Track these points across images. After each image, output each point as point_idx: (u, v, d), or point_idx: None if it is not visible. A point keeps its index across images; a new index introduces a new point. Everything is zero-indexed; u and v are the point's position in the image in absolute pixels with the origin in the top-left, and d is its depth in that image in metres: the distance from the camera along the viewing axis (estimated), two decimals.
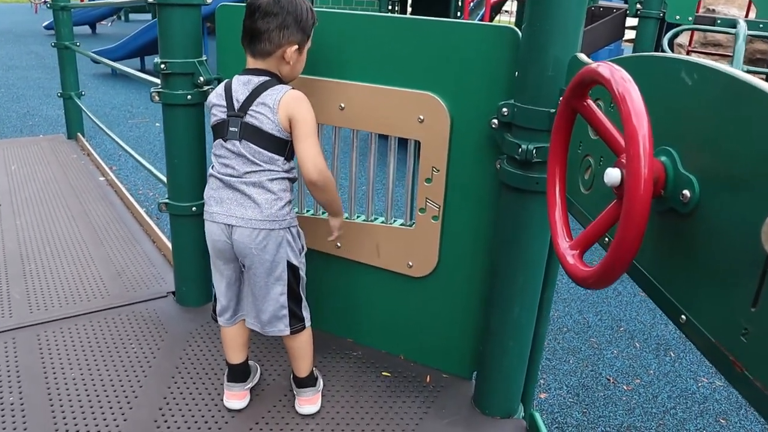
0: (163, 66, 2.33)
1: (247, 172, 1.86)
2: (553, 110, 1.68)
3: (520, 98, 1.77)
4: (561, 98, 1.21)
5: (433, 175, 2.12)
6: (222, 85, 1.93)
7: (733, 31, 5.28)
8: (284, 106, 1.85)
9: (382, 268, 2.36)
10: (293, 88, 1.90)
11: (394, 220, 2.34)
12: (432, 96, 2.03)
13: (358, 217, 2.41)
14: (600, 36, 7.27)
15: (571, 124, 1.23)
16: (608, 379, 3.45)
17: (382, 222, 2.34)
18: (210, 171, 1.96)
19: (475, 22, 1.96)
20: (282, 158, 1.89)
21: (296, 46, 1.89)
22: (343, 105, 2.19)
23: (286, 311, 1.99)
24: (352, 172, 2.35)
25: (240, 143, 1.86)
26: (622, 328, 3.99)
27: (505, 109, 1.79)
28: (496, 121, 1.86)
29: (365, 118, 2.18)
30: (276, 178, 1.88)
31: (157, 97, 2.39)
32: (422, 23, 2.00)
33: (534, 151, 1.73)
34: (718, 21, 5.68)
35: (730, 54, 7.20)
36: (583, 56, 1.55)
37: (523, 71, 1.76)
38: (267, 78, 1.89)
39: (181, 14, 2.33)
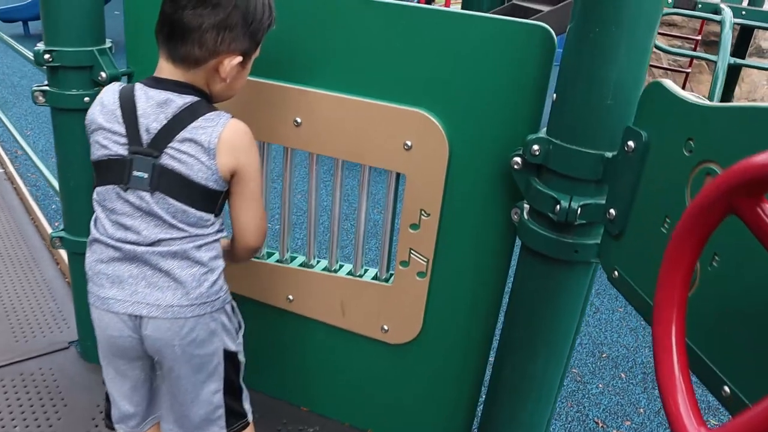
0: (47, 56, 1.68)
1: (163, 240, 1.27)
2: (611, 154, 1.16)
3: (558, 132, 1.23)
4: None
5: (421, 220, 1.57)
6: (115, 93, 1.31)
7: (717, 17, 4.87)
8: (227, 149, 1.27)
9: (348, 331, 1.81)
10: (233, 117, 1.31)
11: (365, 271, 1.79)
12: (425, 115, 1.48)
13: (317, 263, 1.85)
14: (556, 22, 6.79)
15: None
16: (596, 422, 3.03)
17: (350, 273, 1.79)
18: (93, 232, 1.33)
19: (493, 15, 1.41)
20: (213, 216, 1.32)
21: (239, 58, 1.30)
22: (299, 120, 1.61)
23: (222, 411, 1.42)
24: (311, 206, 1.78)
25: (152, 196, 1.26)
26: (604, 355, 3.57)
27: (536, 147, 1.25)
28: (519, 159, 1.32)
29: (329, 140, 1.60)
30: (206, 244, 1.30)
31: (41, 98, 1.74)
32: (416, 12, 1.43)
33: (578, 211, 1.20)
34: (699, 5, 5.27)
35: (689, 36, 6.86)
36: (673, 86, 1.02)
37: (564, 94, 1.22)
38: (194, 99, 1.29)
39: None
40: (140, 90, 1.29)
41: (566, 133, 1.21)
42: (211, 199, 1.29)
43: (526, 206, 1.37)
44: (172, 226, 1.26)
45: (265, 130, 1.67)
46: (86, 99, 1.75)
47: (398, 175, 1.61)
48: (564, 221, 1.22)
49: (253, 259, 1.86)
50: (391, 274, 1.73)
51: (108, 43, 1.79)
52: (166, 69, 1.30)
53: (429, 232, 1.57)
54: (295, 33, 1.56)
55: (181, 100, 1.27)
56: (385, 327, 1.73)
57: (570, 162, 1.21)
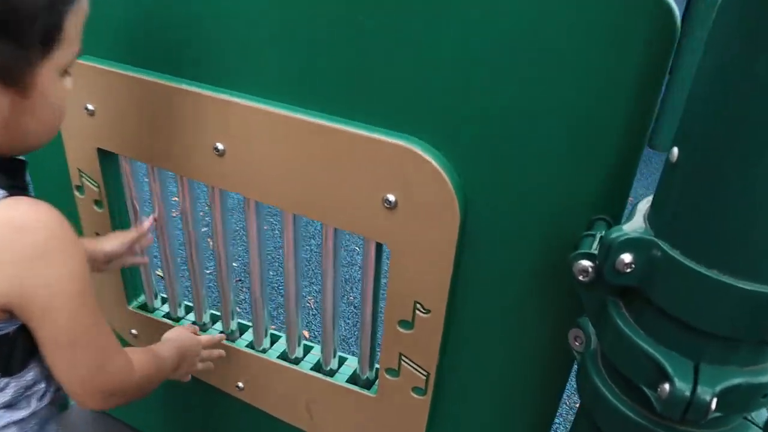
0: None
1: None
2: None
3: (681, 235, 0.58)
4: None
5: (416, 316, 0.95)
6: None
7: None
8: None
9: None
10: (9, 194, 0.73)
11: (339, 364, 1.19)
12: (416, 151, 0.84)
13: (271, 344, 1.26)
14: None
15: None
16: None
17: (317, 367, 1.19)
18: None
19: None
20: None
21: None
22: (220, 147, 0.99)
23: None
24: (254, 268, 1.17)
25: None
26: None
27: (627, 257, 0.60)
28: (587, 266, 0.67)
29: (265, 180, 0.98)
30: None
31: None
32: None
33: (713, 401, 0.57)
34: None
35: None
36: None
37: (704, 159, 0.56)
38: None
39: None
40: None
41: (702, 241, 0.56)
42: None
43: (595, 338, 0.73)
44: None
45: (173, 158, 1.06)
46: None
47: (377, 245, 0.99)
48: (676, 414, 0.59)
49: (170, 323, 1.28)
50: (376, 379, 1.13)
51: None
52: None
53: (429, 335, 0.95)
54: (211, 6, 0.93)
55: None
56: None
57: (707, 301, 0.56)
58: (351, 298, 2.54)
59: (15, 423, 0.80)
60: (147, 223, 1.18)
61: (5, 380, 0.78)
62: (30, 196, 0.77)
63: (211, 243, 1.25)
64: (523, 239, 0.84)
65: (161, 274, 1.35)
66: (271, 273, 2.59)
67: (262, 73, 0.94)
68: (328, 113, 0.90)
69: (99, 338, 0.80)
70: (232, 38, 0.94)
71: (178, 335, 1.08)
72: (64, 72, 0.76)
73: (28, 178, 0.84)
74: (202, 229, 1.23)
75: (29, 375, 0.80)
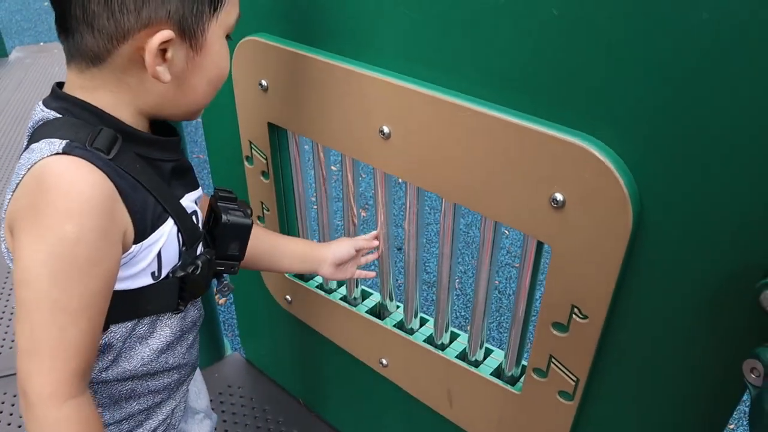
0: None
1: None
2: None
3: None
4: None
5: (572, 321, 0.91)
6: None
7: None
8: (8, 219, 0.73)
9: (457, 426, 1.23)
10: (58, 152, 0.70)
11: (484, 356, 1.17)
12: (589, 150, 0.79)
13: (420, 327, 1.26)
14: None
15: None
16: None
17: (462, 355, 1.19)
18: None
19: None
20: None
21: (168, 33, 0.72)
22: (386, 130, 1.00)
23: None
24: (410, 252, 1.18)
25: None
26: None
27: None
28: None
29: (430, 169, 0.98)
30: None
31: None
32: None
33: None
34: None
35: None
36: None
37: None
38: (57, 114, 0.76)
39: None
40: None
41: None
42: None
43: None
44: None
45: (340, 138, 1.09)
46: None
47: (539, 244, 0.95)
48: None
49: (345, 305, 1.33)
50: (521, 376, 1.10)
51: None
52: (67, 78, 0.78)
53: (583, 341, 0.91)
54: None
55: (36, 118, 0.77)
56: None
57: None
58: (496, 282, 2.50)
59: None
60: (374, 234, 1.21)
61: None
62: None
63: (364, 213, 1.26)
64: (702, 257, 0.77)
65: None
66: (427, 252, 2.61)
67: (432, 57, 0.93)
68: (499, 104, 0.87)
69: (32, 332, 0.68)
70: (404, 19, 0.93)
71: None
72: (227, 36, 0.81)
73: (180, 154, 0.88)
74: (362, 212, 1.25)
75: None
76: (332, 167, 1.26)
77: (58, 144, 0.70)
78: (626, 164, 0.79)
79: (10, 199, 0.72)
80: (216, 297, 2.57)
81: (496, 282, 2.51)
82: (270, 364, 1.85)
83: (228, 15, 0.79)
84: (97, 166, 0.70)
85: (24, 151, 0.75)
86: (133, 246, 0.76)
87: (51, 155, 0.69)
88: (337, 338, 1.41)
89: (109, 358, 0.82)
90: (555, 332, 0.94)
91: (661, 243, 0.80)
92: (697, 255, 0.77)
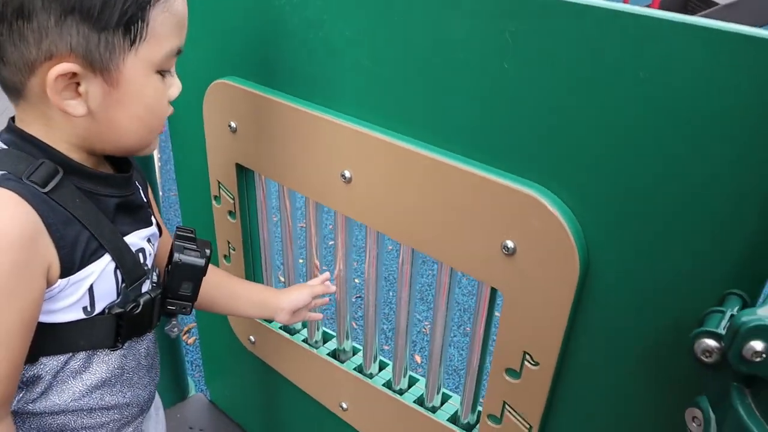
0: None
1: None
2: None
3: None
4: None
5: (524, 367, 0.92)
6: None
7: None
8: None
9: None
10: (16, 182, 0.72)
11: (442, 401, 1.18)
12: (538, 199, 0.81)
13: (378, 370, 1.27)
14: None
15: None
16: None
17: (420, 400, 1.19)
18: None
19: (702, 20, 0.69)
20: None
21: (67, 65, 0.71)
22: (348, 174, 1.02)
23: None
24: (369, 295, 1.19)
25: None
26: None
27: (757, 344, 0.55)
28: (711, 345, 0.62)
29: (390, 213, 1.00)
30: None
31: None
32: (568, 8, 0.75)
33: None
34: None
35: None
36: None
37: None
38: (4, 147, 0.78)
39: None
40: None
41: None
42: None
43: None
44: None
45: (303, 181, 1.11)
46: None
47: (492, 290, 0.97)
48: None
49: (306, 347, 1.32)
50: (477, 423, 1.11)
51: None
52: None
53: (535, 388, 0.92)
54: (350, 32, 0.96)
55: None
56: None
57: None
58: (467, 329, 2.50)
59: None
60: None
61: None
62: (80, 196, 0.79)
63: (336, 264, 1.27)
64: (646, 305, 0.79)
65: (283, 279, 1.41)
66: (391, 294, 2.62)
67: (392, 106, 0.95)
68: (454, 152, 0.90)
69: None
70: (365, 70, 0.96)
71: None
72: (160, 72, 0.79)
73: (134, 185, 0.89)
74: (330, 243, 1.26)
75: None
76: (300, 225, 1.27)
77: None
78: (573, 214, 0.81)
79: None
80: (184, 337, 2.54)
81: (467, 329, 2.51)
82: (233, 406, 1.83)
83: (152, 50, 0.76)
84: (26, 199, 0.71)
85: None
86: (60, 280, 0.76)
87: None
88: (298, 380, 1.41)
89: (38, 390, 0.81)
90: (508, 378, 0.95)
91: (606, 292, 0.82)
92: (640, 304, 0.79)
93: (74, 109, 0.74)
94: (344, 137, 1.00)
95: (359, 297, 2.55)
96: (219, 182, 1.31)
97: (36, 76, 0.73)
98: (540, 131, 0.81)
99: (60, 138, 0.78)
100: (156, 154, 2.82)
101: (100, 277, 0.80)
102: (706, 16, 5.50)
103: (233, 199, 1.30)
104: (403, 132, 0.95)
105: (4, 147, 0.77)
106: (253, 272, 1.40)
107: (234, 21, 1.13)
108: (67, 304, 0.78)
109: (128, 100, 0.77)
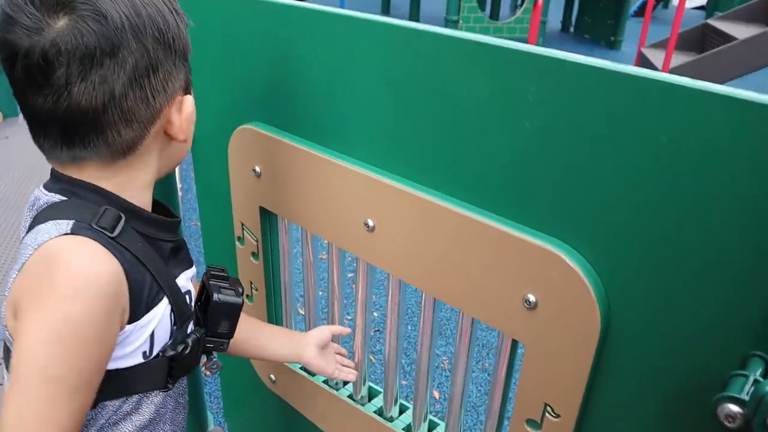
0: None
1: None
2: None
3: None
4: None
5: (545, 419, 0.92)
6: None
7: None
8: (11, 300, 0.74)
9: None
10: (66, 233, 0.74)
11: None
12: (559, 255, 0.82)
13: (399, 414, 1.27)
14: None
15: None
16: None
17: None
18: None
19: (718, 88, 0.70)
20: None
21: (185, 97, 0.84)
22: (371, 223, 1.04)
23: None
24: (389, 342, 1.20)
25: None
26: None
27: None
28: (735, 411, 0.62)
29: (412, 263, 1.01)
30: None
31: None
32: (574, 67, 0.77)
33: None
34: None
35: None
36: None
37: None
38: (63, 197, 0.80)
39: None
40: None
41: None
42: None
43: None
44: None
45: (326, 226, 1.12)
46: None
47: (513, 341, 0.98)
48: None
49: (327, 388, 1.33)
50: None
51: None
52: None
53: None
54: (366, 88, 0.98)
55: (39, 203, 0.80)
56: None
57: None
58: (486, 364, 2.49)
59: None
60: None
61: None
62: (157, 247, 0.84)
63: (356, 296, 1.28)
64: (667, 361, 0.79)
65: (301, 311, 1.42)
66: (409, 327, 2.62)
67: (415, 158, 0.97)
68: (476, 205, 0.91)
69: (19, 409, 0.68)
70: (389, 122, 0.98)
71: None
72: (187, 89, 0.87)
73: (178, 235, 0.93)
74: (348, 274, 1.27)
75: None
76: (321, 256, 1.29)
77: (65, 224, 0.74)
78: (594, 269, 0.82)
79: (14, 278, 0.75)
80: (203, 369, 2.55)
81: (486, 365, 2.51)
82: (244, 425, 1.84)
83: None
84: (103, 245, 0.73)
85: (27, 232, 0.78)
86: (127, 326, 0.78)
87: (59, 236, 0.72)
88: (318, 421, 1.41)
89: (92, 431, 0.83)
90: (529, 429, 0.95)
91: (628, 346, 0.82)
92: (661, 359, 0.80)
93: (186, 133, 0.84)
94: (368, 187, 1.02)
95: (378, 330, 2.56)
96: (243, 224, 1.33)
97: (158, 122, 0.79)
98: (560, 188, 0.82)
99: (143, 180, 0.83)
100: (177, 183, 2.86)
101: (161, 320, 0.83)
102: (724, 50, 5.49)
103: (257, 241, 1.32)
104: (426, 184, 0.97)
105: (63, 198, 0.79)
106: (274, 312, 1.42)
107: (260, 69, 1.16)
108: (131, 349, 0.81)
109: (191, 116, 0.84)
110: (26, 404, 0.68)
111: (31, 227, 0.78)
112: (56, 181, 0.81)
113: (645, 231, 0.76)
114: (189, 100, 0.83)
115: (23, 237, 0.78)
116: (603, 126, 0.75)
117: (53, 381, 0.69)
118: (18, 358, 0.69)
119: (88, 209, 0.77)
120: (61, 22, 0.70)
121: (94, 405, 0.81)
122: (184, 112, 0.82)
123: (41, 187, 0.82)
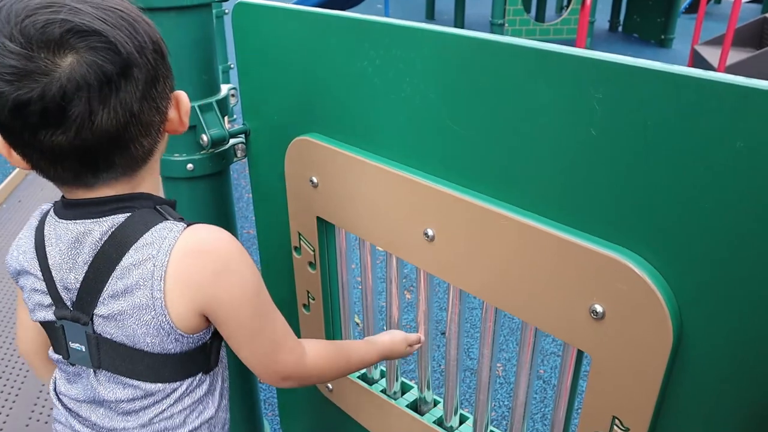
0: None
1: (123, 428, 0.91)
2: None
3: None
4: None
5: (613, 431, 0.90)
6: (31, 228, 0.91)
7: None
8: (180, 289, 0.84)
9: None
10: (188, 225, 0.87)
11: None
12: (627, 264, 0.80)
13: (460, 425, 1.26)
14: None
15: None
16: None
17: None
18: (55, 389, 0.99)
19: None
20: (191, 379, 0.93)
21: (183, 92, 0.91)
22: (430, 232, 1.03)
23: None
24: (450, 351, 1.19)
25: (96, 377, 0.90)
26: None
27: None
28: None
29: (473, 272, 1.00)
30: (181, 400, 0.93)
31: None
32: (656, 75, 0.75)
33: None
34: None
35: None
36: None
37: None
38: (122, 216, 0.84)
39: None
40: (50, 225, 0.87)
41: None
42: (179, 365, 0.90)
43: None
44: (127, 414, 0.91)
45: (385, 237, 1.12)
46: (189, 166, 1.37)
47: (579, 353, 0.96)
48: None
49: (385, 397, 1.33)
50: None
51: (221, 94, 1.38)
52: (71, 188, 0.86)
53: None
54: (435, 98, 0.98)
55: (99, 228, 0.83)
56: None
57: None
58: (540, 371, 2.46)
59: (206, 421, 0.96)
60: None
61: (203, 378, 0.95)
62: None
63: (408, 296, 1.28)
64: (745, 378, 0.76)
65: (359, 321, 1.42)
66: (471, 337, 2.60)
67: (476, 167, 0.97)
68: (540, 214, 0.90)
69: (273, 333, 0.93)
70: (448, 131, 0.98)
71: (391, 338, 1.16)
72: None
73: None
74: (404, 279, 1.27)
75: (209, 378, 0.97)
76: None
77: (174, 222, 0.85)
78: (665, 280, 0.80)
79: (162, 275, 0.82)
80: None
81: (541, 371, 2.47)
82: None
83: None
84: None
85: (124, 256, 0.82)
86: None
87: (184, 230, 0.84)
88: (376, 430, 1.41)
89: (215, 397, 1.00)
90: None
91: (701, 358, 0.80)
92: (737, 372, 0.77)
93: (184, 126, 0.91)
94: (427, 196, 1.01)
95: (443, 333, 2.53)
96: (299, 234, 1.34)
97: (164, 126, 0.86)
98: (626, 196, 0.80)
99: (158, 176, 0.92)
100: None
101: None
102: None
103: (314, 251, 1.33)
104: (487, 193, 0.96)
105: (126, 214, 0.84)
106: (332, 321, 1.42)
107: (316, 81, 1.17)
108: None
109: (189, 110, 0.92)
110: (273, 321, 0.93)
111: (108, 256, 0.82)
112: (102, 203, 0.84)
113: (718, 239, 0.74)
114: (184, 96, 0.89)
115: (84, 276, 0.83)
116: (675, 132, 0.73)
117: (273, 307, 0.93)
118: (228, 319, 0.88)
119: (162, 210, 0.87)
120: (68, 59, 0.72)
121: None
122: (182, 107, 0.88)
123: (77, 223, 0.84)
